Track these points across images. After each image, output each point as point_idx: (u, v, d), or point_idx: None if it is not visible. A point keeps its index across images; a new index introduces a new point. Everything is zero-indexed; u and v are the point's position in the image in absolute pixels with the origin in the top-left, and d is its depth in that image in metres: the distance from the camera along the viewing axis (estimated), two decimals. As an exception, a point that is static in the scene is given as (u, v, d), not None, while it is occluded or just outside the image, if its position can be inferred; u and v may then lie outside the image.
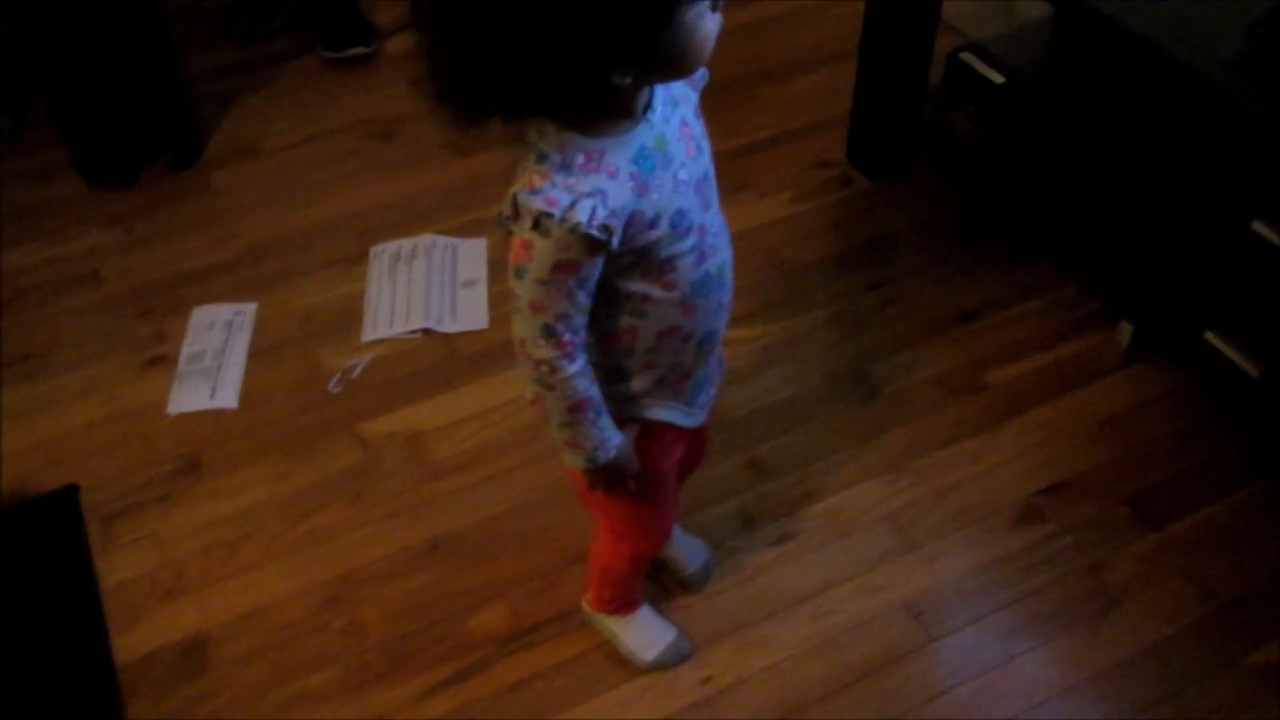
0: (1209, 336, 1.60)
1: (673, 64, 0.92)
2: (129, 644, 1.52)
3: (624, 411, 1.12)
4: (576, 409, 1.06)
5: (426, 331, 1.90)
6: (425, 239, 2.05)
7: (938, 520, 1.63)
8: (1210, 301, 1.66)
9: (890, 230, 2.07)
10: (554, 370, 1.03)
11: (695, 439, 1.31)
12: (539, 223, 0.94)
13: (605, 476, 1.14)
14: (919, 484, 1.67)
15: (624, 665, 1.48)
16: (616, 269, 1.01)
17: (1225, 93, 1.40)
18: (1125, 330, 1.81)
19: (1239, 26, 1.44)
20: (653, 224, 0.99)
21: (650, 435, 1.16)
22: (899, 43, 1.97)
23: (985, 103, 2.00)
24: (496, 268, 2.00)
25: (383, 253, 2.04)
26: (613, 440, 1.10)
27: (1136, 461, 1.70)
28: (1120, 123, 1.85)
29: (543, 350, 1.02)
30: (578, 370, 1.04)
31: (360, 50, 2.44)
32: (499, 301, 1.94)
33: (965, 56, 1.98)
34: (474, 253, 2.03)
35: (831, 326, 1.90)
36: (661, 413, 1.16)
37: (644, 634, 1.48)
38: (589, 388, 1.05)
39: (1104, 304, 1.88)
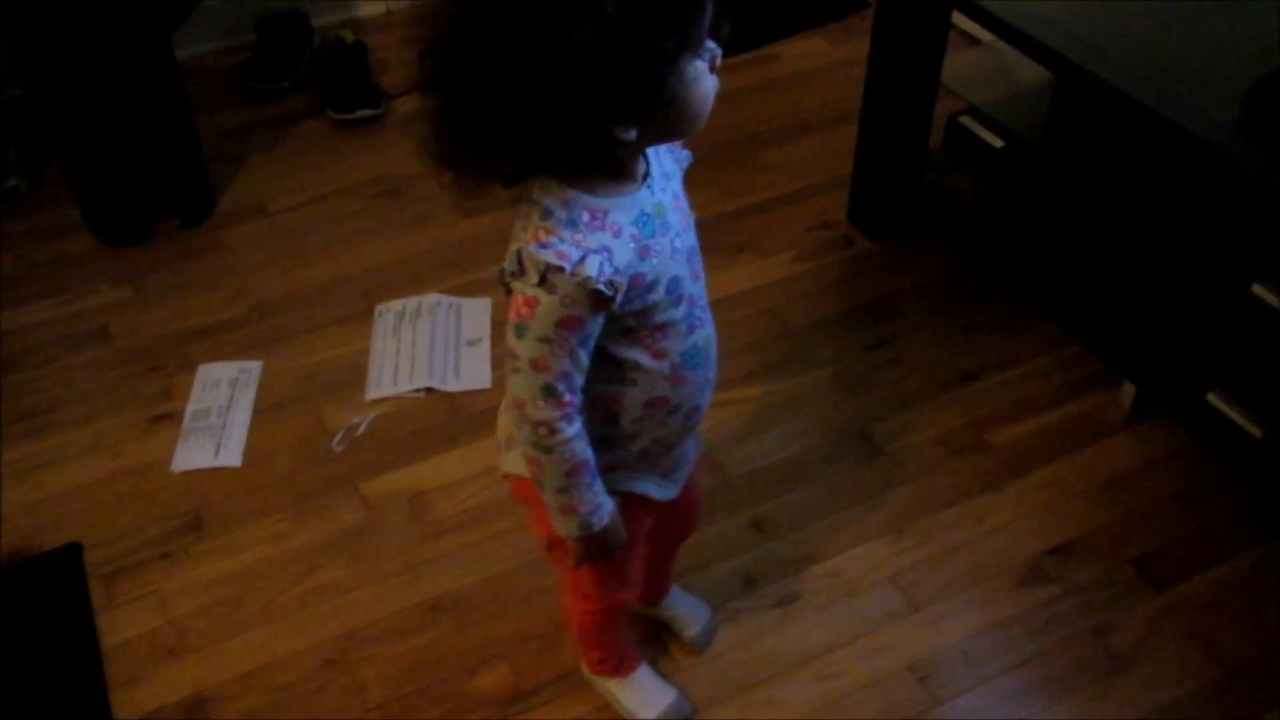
0: (1211, 398, 1.61)
1: (673, 119, 0.93)
2: (130, 702, 1.51)
3: (603, 483, 1.11)
4: (573, 472, 1.05)
5: (429, 390, 1.91)
6: (430, 298, 2.07)
7: (942, 581, 1.62)
8: (1212, 363, 1.66)
9: (892, 290, 2.08)
10: (553, 432, 1.02)
11: (686, 508, 1.31)
12: (546, 277, 0.94)
13: (597, 546, 1.12)
14: (923, 544, 1.67)
15: (625, 728, 1.47)
16: (611, 332, 1.01)
17: (1225, 156, 1.42)
18: (1128, 391, 1.82)
19: (1238, 91, 1.46)
20: (651, 288, 1.00)
21: (624, 506, 1.15)
22: (899, 106, 2.00)
23: (985, 166, 2.03)
24: (500, 327, 1.99)
25: (388, 311, 2.05)
26: (606, 505, 1.09)
27: (1141, 522, 1.69)
28: (1120, 186, 1.87)
29: (543, 411, 1.01)
30: (576, 432, 1.03)
31: (368, 112, 2.48)
32: (502, 361, 1.94)
33: (965, 120, 2.01)
34: (478, 312, 2.05)
35: (834, 386, 1.91)
36: (639, 485, 1.16)
37: (643, 695, 1.46)
38: (585, 451, 1.05)
39: (1106, 364, 1.89)
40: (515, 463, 1.13)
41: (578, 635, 1.43)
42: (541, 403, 1.01)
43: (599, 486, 1.08)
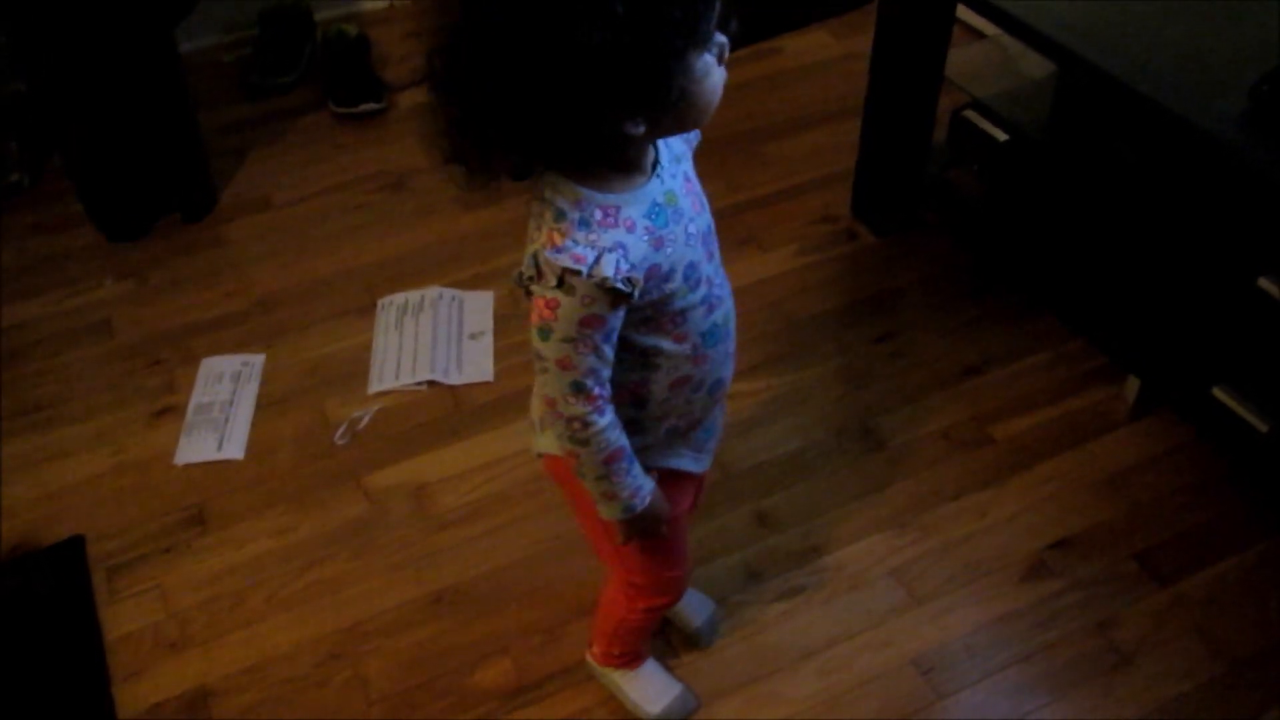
0: (1216, 392, 1.60)
1: (683, 113, 0.93)
2: (132, 696, 1.51)
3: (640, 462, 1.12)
4: (610, 460, 1.06)
5: (432, 383, 1.91)
6: (432, 291, 2.07)
7: (945, 575, 1.62)
8: (1217, 357, 1.66)
9: (896, 284, 2.08)
10: (586, 425, 1.03)
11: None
12: (564, 280, 0.95)
13: (641, 525, 1.13)
14: (926, 538, 1.67)
15: (629, 721, 1.47)
16: (631, 322, 1.02)
17: (1230, 150, 1.41)
18: (1132, 385, 1.81)
19: (1243, 84, 1.46)
20: (668, 277, 1.00)
21: (662, 483, 1.16)
22: (903, 100, 2.00)
23: (989, 160, 2.02)
24: (502, 320, 2.01)
25: (390, 305, 2.05)
26: (646, 486, 1.11)
27: (1145, 517, 1.69)
28: (1125, 180, 1.86)
29: (574, 407, 1.02)
30: (609, 422, 1.04)
31: (372, 106, 2.48)
32: (505, 354, 1.95)
33: (969, 114, 2.00)
34: (480, 305, 2.05)
35: (837, 379, 1.91)
36: (674, 461, 1.17)
37: (649, 688, 1.46)
38: (620, 438, 1.06)
39: (1110, 359, 1.89)
40: (549, 443, 1.14)
41: (612, 631, 1.42)
42: (572, 399, 1.02)
43: (637, 469, 1.09)
